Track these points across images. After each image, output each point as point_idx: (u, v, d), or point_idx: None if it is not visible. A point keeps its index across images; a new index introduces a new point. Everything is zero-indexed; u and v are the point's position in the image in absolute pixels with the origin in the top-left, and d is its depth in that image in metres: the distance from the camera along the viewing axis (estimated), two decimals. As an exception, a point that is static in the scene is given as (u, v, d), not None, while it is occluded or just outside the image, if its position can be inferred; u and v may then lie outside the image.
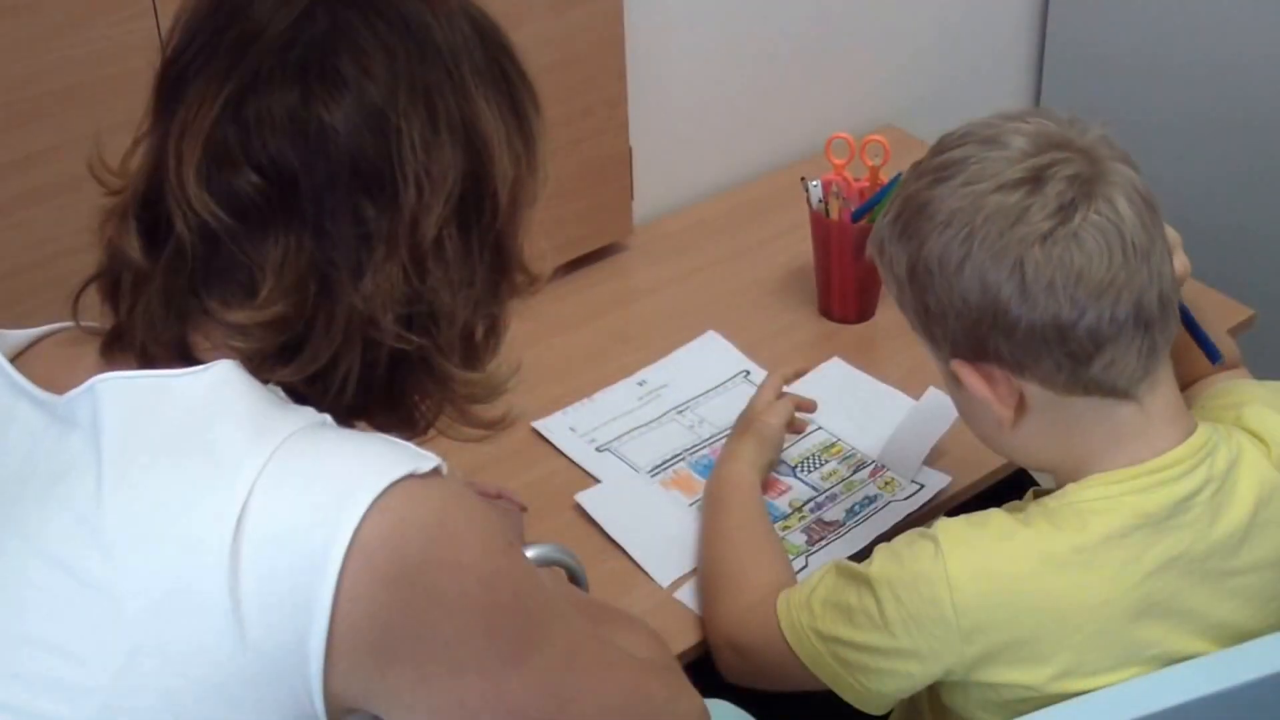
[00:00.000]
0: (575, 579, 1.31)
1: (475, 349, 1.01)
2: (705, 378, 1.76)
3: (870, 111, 2.34)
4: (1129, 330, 1.11)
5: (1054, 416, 1.17)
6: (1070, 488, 1.17)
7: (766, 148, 2.24)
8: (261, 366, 0.93)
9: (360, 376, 0.95)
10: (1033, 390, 1.16)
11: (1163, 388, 1.17)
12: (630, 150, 1.94)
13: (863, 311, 1.86)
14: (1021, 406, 1.17)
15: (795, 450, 1.63)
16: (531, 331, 1.78)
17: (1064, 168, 1.10)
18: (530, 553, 1.27)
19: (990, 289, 1.11)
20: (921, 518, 1.56)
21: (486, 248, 0.97)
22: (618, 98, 1.88)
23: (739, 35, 2.13)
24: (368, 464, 0.88)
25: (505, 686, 0.95)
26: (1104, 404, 1.15)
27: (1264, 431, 1.21)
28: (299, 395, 0.95)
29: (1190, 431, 1.18)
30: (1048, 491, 1.23)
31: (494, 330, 1.02)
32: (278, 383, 0.94)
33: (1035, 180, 1.10)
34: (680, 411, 1.71)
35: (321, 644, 0.86)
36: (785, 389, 1.62)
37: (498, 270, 0.99)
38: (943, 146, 1.17)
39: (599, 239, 1.96)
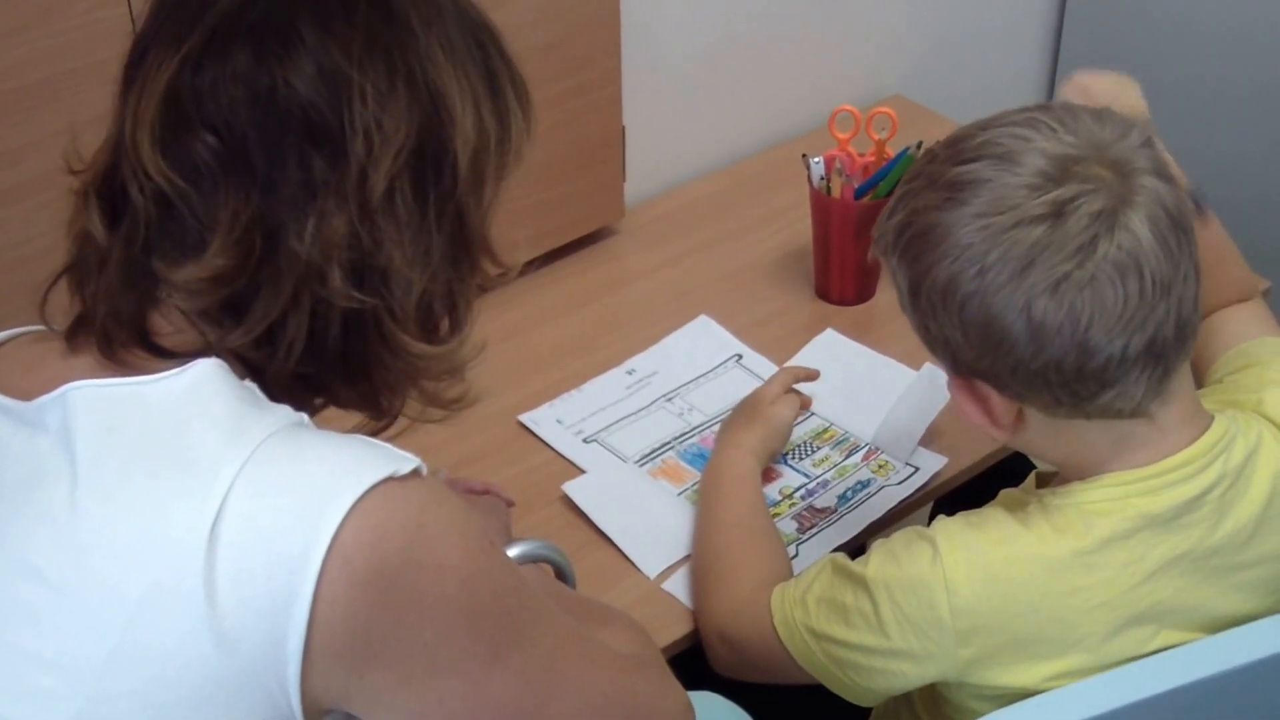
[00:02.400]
0: (562, 575, 1.30)
1: (433, 322, 0.99)
2: (696, 364, 1.75)
3: (877, 81, 2.30)
4: (1140, 364, 1.07)
5: (1055, 430, 1.14)
6: (1075, 486, 1.14)
7: (767, 122, 2.21)
8: (211, 329, 0.92)
9: (311, 340, 0.93)
10: (1032, 411, 1.13)
11: (1176, 397, 1.12)
12: (624, 130, 1.90)
13: (861, 292, 1.84)
14: (1019, 422, 1.14)
15: (787, 437, 1.61)
16: (518, 322, 1.77)
17: (1088, 201, 1.04)
18: (516, 549, 1.26)
19: (995, 330, 1.07)
20: (916, 502, 1.55)
21: (445, 214, 0.96)
22: (611, 74, 1.84)
23: (739, 4, 2.09)
24: (347, 467, 0.88)
25: (486, 687, 0.94)
26: (1111, 422, 1.12)
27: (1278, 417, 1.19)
28: (251, 365, 0.94)
29: (1205, 428, 1.14)
30: (1051, 475, 1.22)
31: (453, 305, 1.00)
32: (231, 349, 0.92)
33: (1056, 215, 1.04)
34: (669, 399, 1.69)
35: (299, 647, 0.86)
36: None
37: (458, 242, 0.98)
38: (958, 153, 1.10)
39: (589, 223, 1.93)
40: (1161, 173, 1.08)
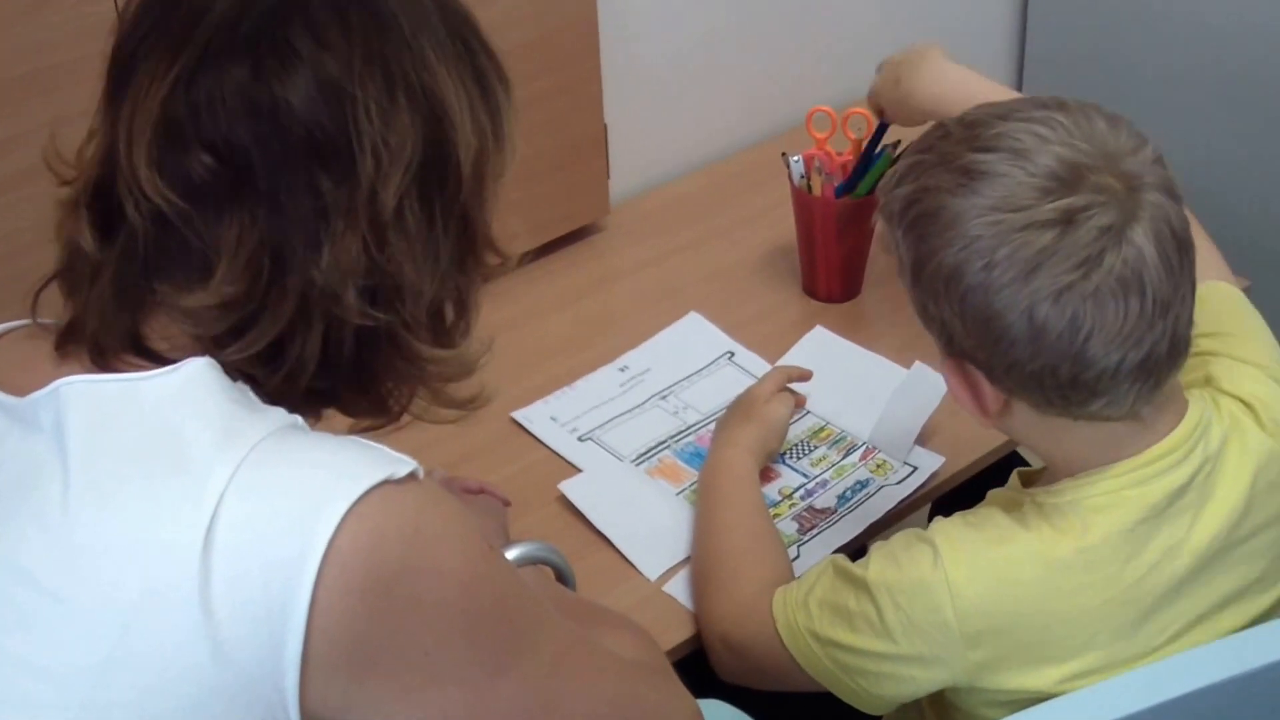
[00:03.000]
0: (562, 577, 1.29)
1: (445, 326, 0.98)
2: (688, 361, 1.73)
3: (852, 82, 2.28)
4: (1132, 377, 1.08)
5: (1043, 425, 1.14)
6: (1067, 484, 1.14)
7: (746, 122, 2.21)
8: (211, 347, 0.91)
9: (325, 357, 0.92)
10: (1020, 405, 1.13)
11: (1166, 400, 1.13)
12: (605, 128, 1.90)
13: (848, 290, 1.83)
14: (1006, 411, 1.14)
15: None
16: (508, 318, 1.76)
17: (1099, 214, 1.04)
18: (515, 551, 1.24)
19: (995, 326, 1.07)
20: (915, 502, 1.54)
21: (451, 220, 0.95)
22: (591, 74, 1.84)
23: (715, 6, 2.10)
24: (343, 470, 0.86)
25: (489, 695, 0.93)
26: (1098, 423, 1.12)
27: (1243, 394, 1.19)
28: (255, 382, 0.92)
29: (1182, 414, 1.15)
30: (1036, 472, 1.21)
31: (463, 307, 0.99)
32: (228, 363, 0.91)
33: (1066, 223, 1.04)
34: (663, 397, 1.68)
35: (297, 655, 0.84)
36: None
37: (464, 245, 0.97)
38: (974, 138, 1.09)
39: (575, 220, 1.93)
40: (1170, 190, 1.08)
